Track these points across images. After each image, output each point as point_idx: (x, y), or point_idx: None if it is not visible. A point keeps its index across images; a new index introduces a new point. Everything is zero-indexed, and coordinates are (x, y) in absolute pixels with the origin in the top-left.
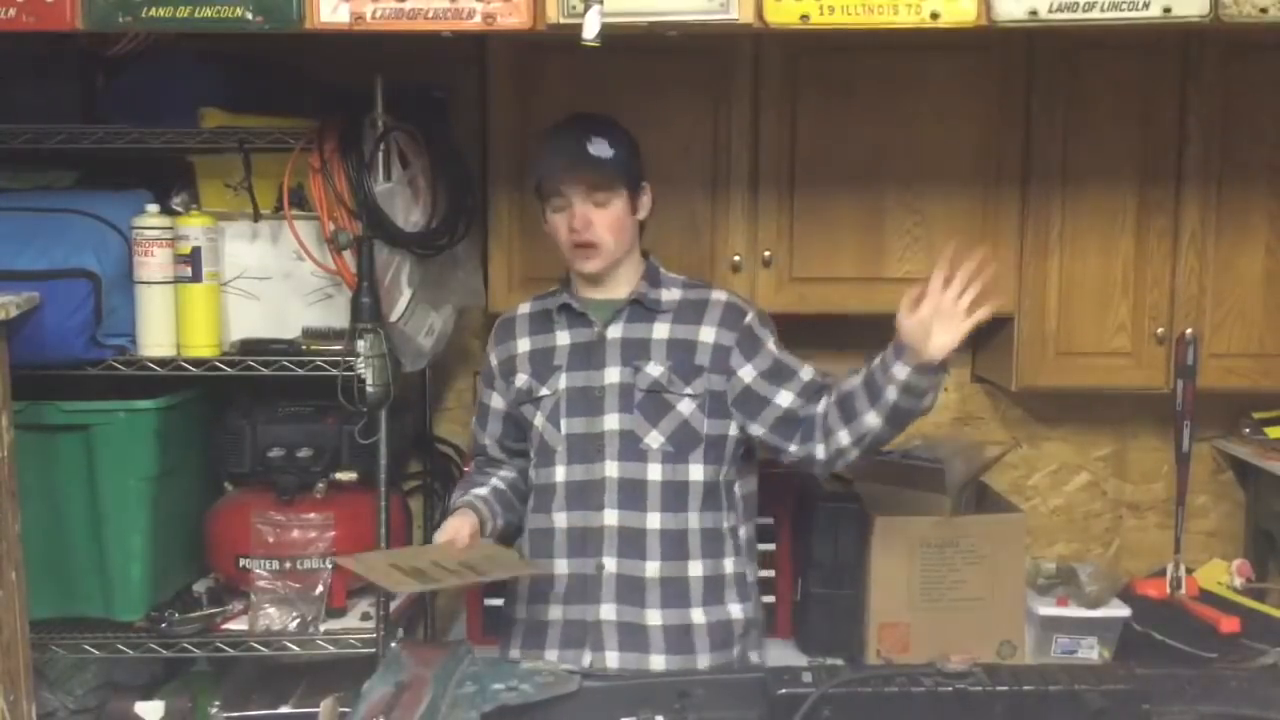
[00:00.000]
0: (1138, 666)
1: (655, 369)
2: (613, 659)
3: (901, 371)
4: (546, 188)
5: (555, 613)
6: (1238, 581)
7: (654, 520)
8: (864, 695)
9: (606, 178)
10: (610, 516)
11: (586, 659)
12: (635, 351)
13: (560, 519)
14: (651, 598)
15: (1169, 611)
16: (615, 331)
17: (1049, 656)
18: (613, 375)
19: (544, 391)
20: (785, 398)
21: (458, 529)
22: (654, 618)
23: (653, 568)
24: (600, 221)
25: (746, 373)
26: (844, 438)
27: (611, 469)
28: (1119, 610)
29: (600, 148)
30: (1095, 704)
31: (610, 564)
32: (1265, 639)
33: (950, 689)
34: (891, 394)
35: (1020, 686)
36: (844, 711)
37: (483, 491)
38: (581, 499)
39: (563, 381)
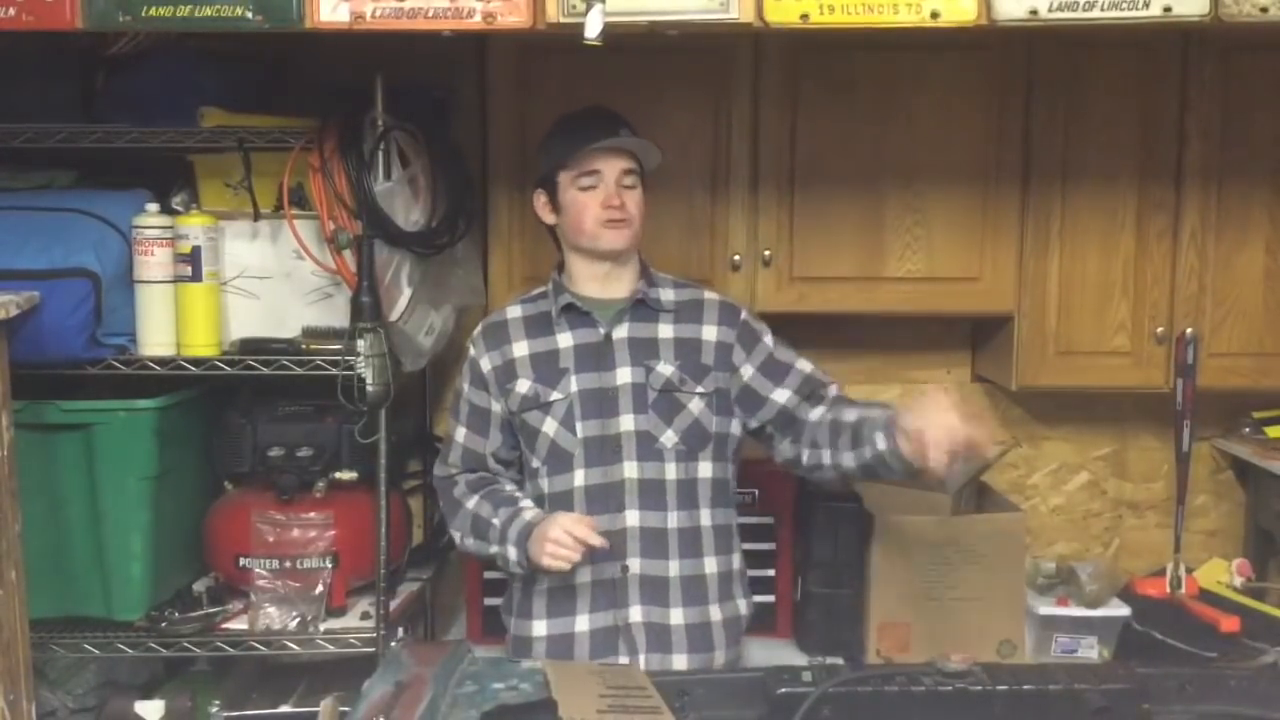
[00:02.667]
0: (1138, 666)
1: (666, 369)
2: (641, 662)
3: (882, 446)
4: (577, 165)
5: (582, 623)
6: (1238, 581)
7: (672, 519)
8: (864, 695)
9: (637, 161)
10: (632, 517)
11: (622, 664)
12: (644, 351)
13: None
14: (674, 597)
15: (1169, 611)
16: (621, 331)
17: (1049, 656)
18: (624, 376)
19: (554, 396)
20: (782, 395)
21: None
22: (677, 617)
23: (674, 566)
24: (630, 201)
25: (746, 369)
26: (825, 458)
27: (631, 470)
28: (1119, 610)
29: (628, 134)
30: (1095, 703)
31: (635, 565)
32: (1265, 638)
33: (950, 688)
34: (868, 454)
35: (1020, 686)
36: (844, 711)
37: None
38: (602, 502)
39: (574, 384)
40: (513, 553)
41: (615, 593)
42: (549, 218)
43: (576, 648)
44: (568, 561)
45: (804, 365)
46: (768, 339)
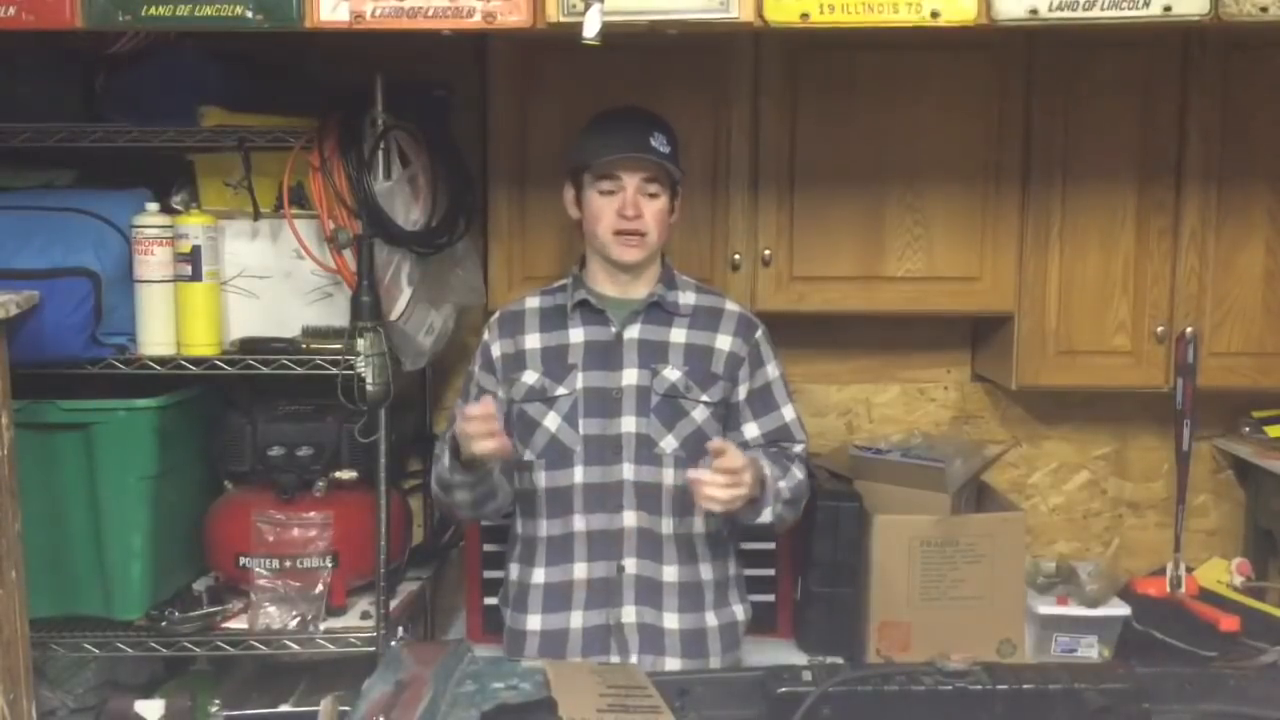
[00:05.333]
0: (1138, 665)
1: (673, 373)
2: (634, 662)
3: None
4: (598, 170)
5: (576, 620)
6: (1237, 580)
7: (668, 525)
8: (864, 694)
9: (663, 172)
10: (630, 518)
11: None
12: (653, 354)
13: (580, 522)
14: (669, 601)
15: (1169, 610)
16: (633, 332)
17: (1049, 655)
18: (630, 377)
19: (560, 390)
20: (752, 430)
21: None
22: (671, 621)
23: (670, 572)
24: (649, 212)
25: (742, 390)
26: None
27: (628, 471)
28: (1119, 609)
29: (661, 142)
30: (1095, 702)
31: (631, 565)
32: (1265, 638)
33: (950, 688)
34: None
35: (1020, 685)
36: (844, 710)
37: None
38: (601, 501)
39: (580, 381)
40: (446, 459)
41: (610, 592)
42: (574, 212)
43: (569, 644)
44: (487, 436)
45: (788, 412)
46: (771, 368)
